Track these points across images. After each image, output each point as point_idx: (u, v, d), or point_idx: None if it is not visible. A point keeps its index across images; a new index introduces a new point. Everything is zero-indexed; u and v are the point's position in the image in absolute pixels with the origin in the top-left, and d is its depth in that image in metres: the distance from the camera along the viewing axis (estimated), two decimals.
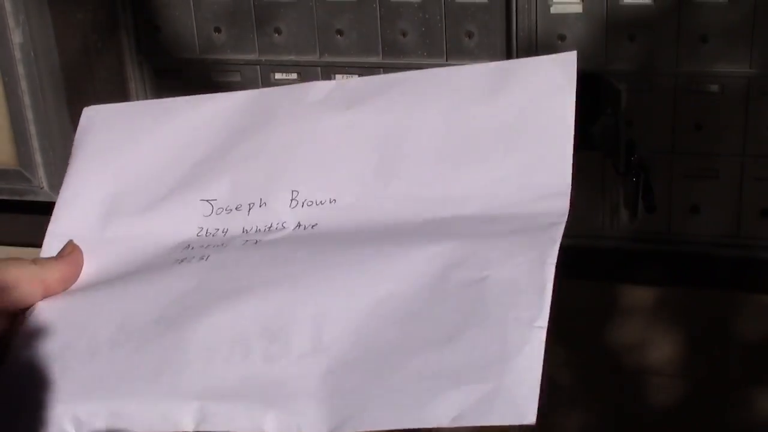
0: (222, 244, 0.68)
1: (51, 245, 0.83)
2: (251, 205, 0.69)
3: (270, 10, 1.84)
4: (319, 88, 0.74)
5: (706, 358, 1.87)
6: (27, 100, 1.90)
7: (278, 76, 1.87)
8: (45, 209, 2.01)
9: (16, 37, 1.87)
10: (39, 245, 2.18)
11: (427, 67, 1.79)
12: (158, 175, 0.74)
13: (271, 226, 0.69)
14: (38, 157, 1.94)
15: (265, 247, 0.68)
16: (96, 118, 0.79)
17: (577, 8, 1.70)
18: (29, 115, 1.91)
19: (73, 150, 0.80)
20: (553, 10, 1.70)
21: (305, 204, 0.69)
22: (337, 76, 1.84)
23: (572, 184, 1.85)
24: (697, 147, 1.73)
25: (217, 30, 1.88)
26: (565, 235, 1.79)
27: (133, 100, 1.95)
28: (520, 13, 1.70)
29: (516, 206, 0.72)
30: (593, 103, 1.75)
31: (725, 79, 1.68)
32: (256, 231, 0.69)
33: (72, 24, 1.93)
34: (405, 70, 1.83)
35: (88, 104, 1.95)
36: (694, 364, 1.88)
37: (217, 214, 0.70)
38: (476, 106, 0.73)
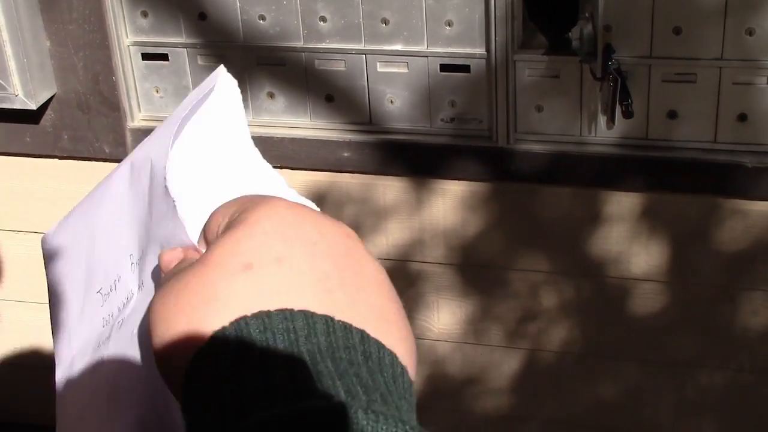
0: (108, 338, 0.72)
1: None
2: (115, 282, 0.73)
3: None
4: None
5: (688, 262, 1.89)
6: None
7: None
8: (20, 116, 2.00)
9: None
10: (14, 153, 2.14)
11: None
12: (85, 278, 0.75)
13: (126, 298, 0.72)
14: (12, 64, 1.92)
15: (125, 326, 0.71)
16: (52, 242, 0.78)
17: None
18: (1, 21, 1.88)
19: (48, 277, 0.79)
20: None
21: (138, 263, 0.70)
22: None
23: (549, 90, 1.83)
24: (676, 51, 1.72)
25: None
26: (543, 141, 1.80)
27: (107, 9, 1.91)
28: None
29: None
30: (571, 7, 1.74)
31: None
32: (119, 309, 0.72)
33: None
34: None
35: (61, 11, 1.92)
36: (676, 268, 1.90)
37: (105, 301, 0.73)
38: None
